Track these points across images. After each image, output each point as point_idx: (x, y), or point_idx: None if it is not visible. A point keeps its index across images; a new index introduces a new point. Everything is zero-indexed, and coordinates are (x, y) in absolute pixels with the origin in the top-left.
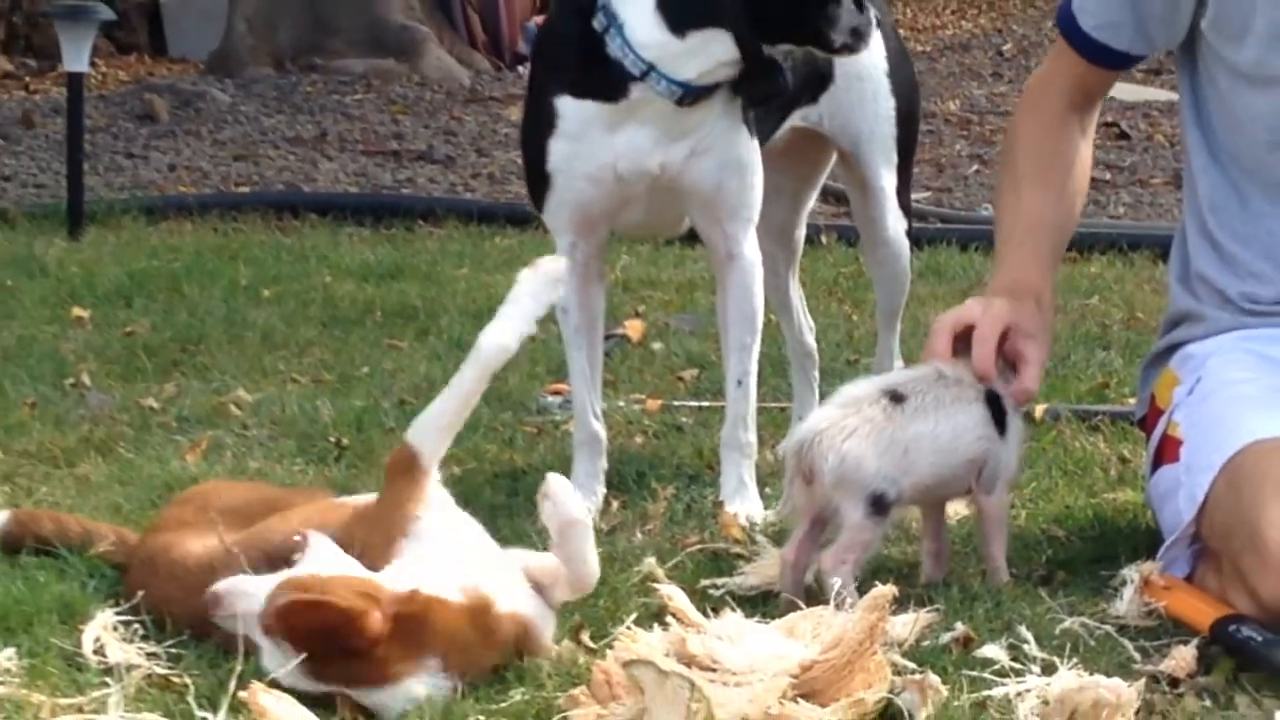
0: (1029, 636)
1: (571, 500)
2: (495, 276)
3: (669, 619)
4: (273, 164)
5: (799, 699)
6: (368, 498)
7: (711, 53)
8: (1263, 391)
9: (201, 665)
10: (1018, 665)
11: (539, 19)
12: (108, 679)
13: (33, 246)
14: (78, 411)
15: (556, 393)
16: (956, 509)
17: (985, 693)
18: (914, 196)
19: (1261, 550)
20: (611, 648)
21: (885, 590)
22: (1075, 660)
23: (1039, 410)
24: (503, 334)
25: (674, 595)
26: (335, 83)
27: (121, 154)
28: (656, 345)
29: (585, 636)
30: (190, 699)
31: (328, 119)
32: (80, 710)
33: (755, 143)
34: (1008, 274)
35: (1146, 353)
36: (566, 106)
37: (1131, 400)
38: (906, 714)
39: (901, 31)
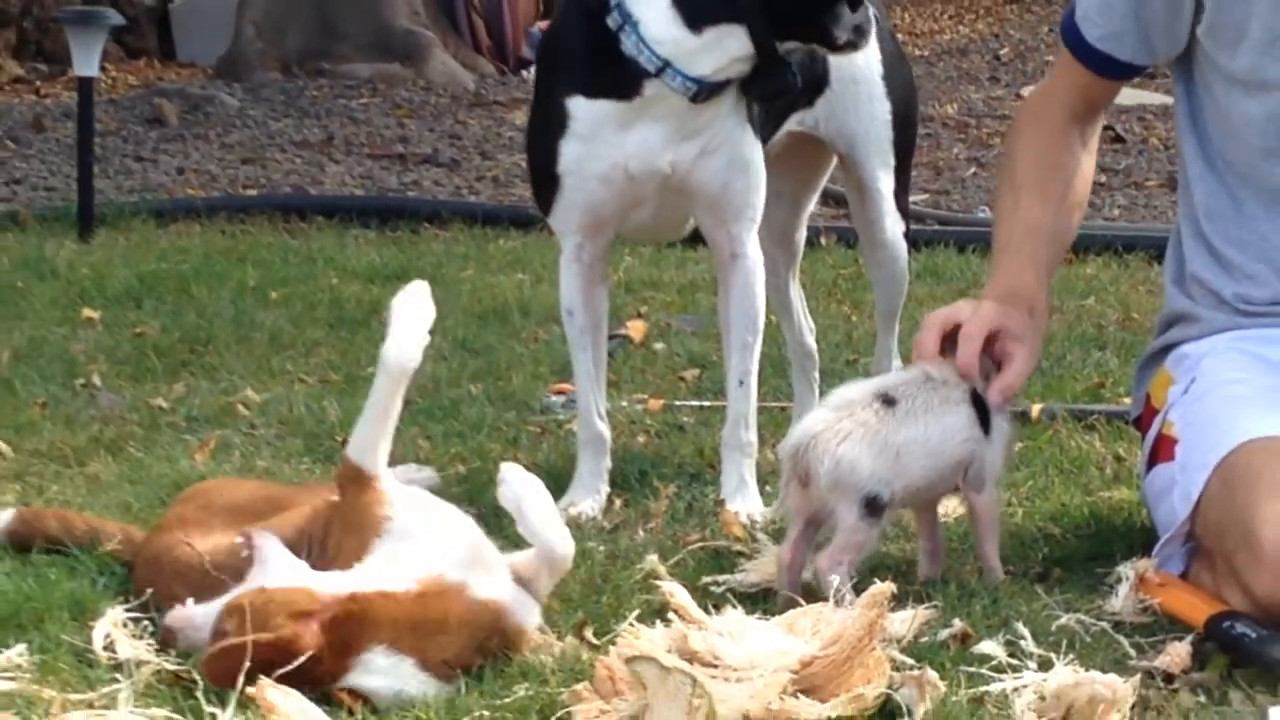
0: (1026, 633)
1: (524, 480)
2: (499, 278)
3: (671, 615)
4: (280, 167)
5: (799, 694)
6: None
7: (726, 48)
8: (1256, 391)
9: None
10: (1015, 661)
11: (542, 24)
12: (118, 675)
13: (43, 248)
14: (88, 411)
15: (560, 392)
16: (950, 508)
17: (983, 688)
18: (912, 199)
19: (1255, 548)
20: (614, 644)
21: (884, 587)
22: (1071, 656)
23: (1035, 410)
24: (403, 347)
25: (676, 592)
26: (342, 87)
27: (131, 157)
28: (658, 346)
29: (588, 633)
30: (199, 695)
31: (334, 123)
32: (90, 706)
33: (759, 144)
34: (1003, 280)
35: (1142, 353)
36: (578, 107)
37: (1127, 400)
38: (905, 709)
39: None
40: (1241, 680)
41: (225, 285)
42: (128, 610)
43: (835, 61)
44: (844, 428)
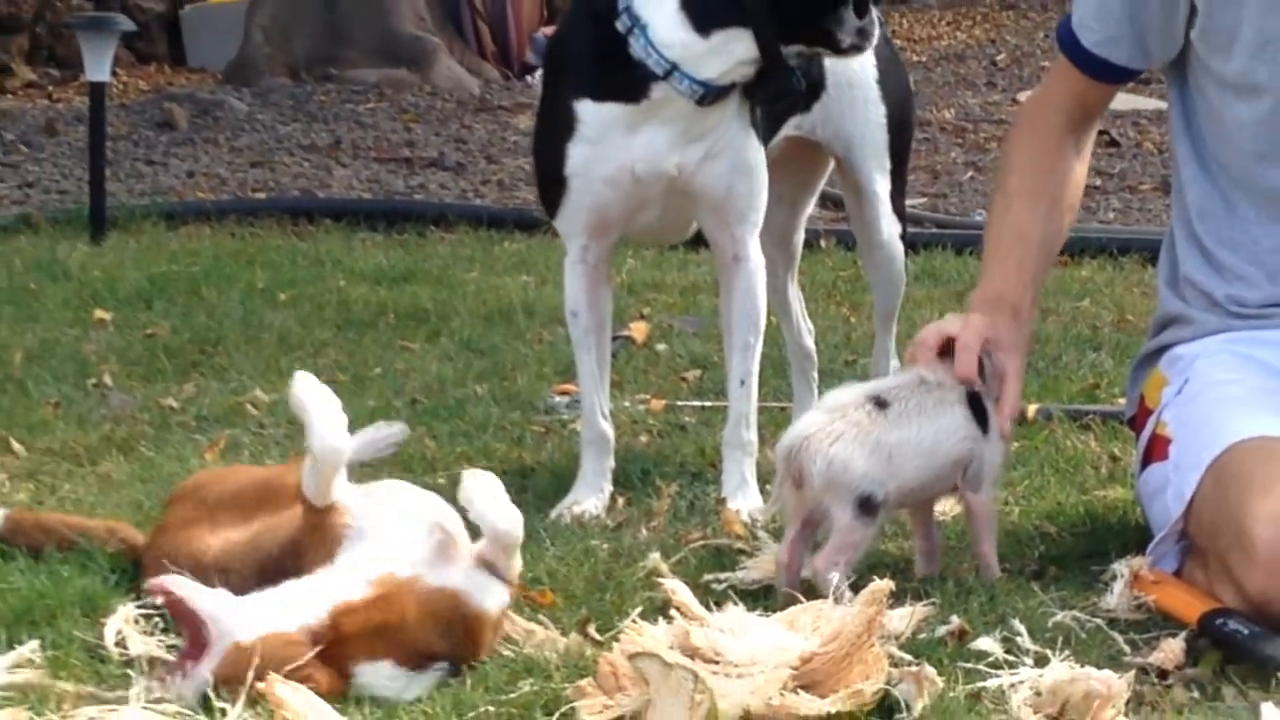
0: (1022, 629)
1: (479, 474)
2: (504, 280)
3: (673, 612)
4: (288, 171)
5: (799, 690)
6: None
7: (733, 51)
8: (1248, 392)
9: None
10: (1011, 657)
11: (547, 30)
12: (129, 670)
13: (56, 251)
14: (99, 411)
15: (564, 393)
16: (947, 507)
17: (980, 684)
18: (910, 202)
19: (1247, 546)
20: (617, 640)
21: (883, 585)
22: (1067, 653)
23: (1031, 410)
24: (326, 439)
25: (678, 589)
26: (349, 92)
27: (142, 161)
28: (661, 346)
29: (592, 629)
30: (209, 690)
31: (342, 127)
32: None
33: (762, 148)
34: (990, 285)
35: (1136, 354)
36: (586, 110)
37: (1121, 400)
38: (903, 705)
39: (898, 42)
40: (1234, 676)
41: (234, 287)
42: (139, 607)
43: (831, 66)
44: (836, 429)
